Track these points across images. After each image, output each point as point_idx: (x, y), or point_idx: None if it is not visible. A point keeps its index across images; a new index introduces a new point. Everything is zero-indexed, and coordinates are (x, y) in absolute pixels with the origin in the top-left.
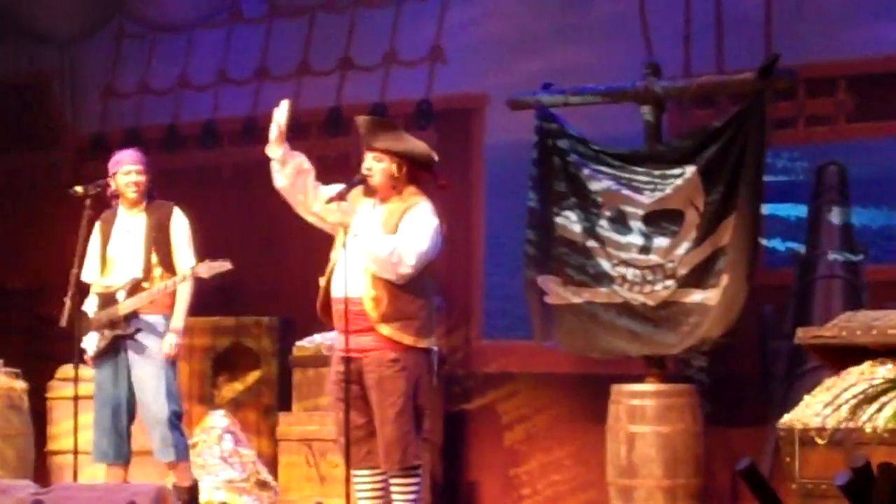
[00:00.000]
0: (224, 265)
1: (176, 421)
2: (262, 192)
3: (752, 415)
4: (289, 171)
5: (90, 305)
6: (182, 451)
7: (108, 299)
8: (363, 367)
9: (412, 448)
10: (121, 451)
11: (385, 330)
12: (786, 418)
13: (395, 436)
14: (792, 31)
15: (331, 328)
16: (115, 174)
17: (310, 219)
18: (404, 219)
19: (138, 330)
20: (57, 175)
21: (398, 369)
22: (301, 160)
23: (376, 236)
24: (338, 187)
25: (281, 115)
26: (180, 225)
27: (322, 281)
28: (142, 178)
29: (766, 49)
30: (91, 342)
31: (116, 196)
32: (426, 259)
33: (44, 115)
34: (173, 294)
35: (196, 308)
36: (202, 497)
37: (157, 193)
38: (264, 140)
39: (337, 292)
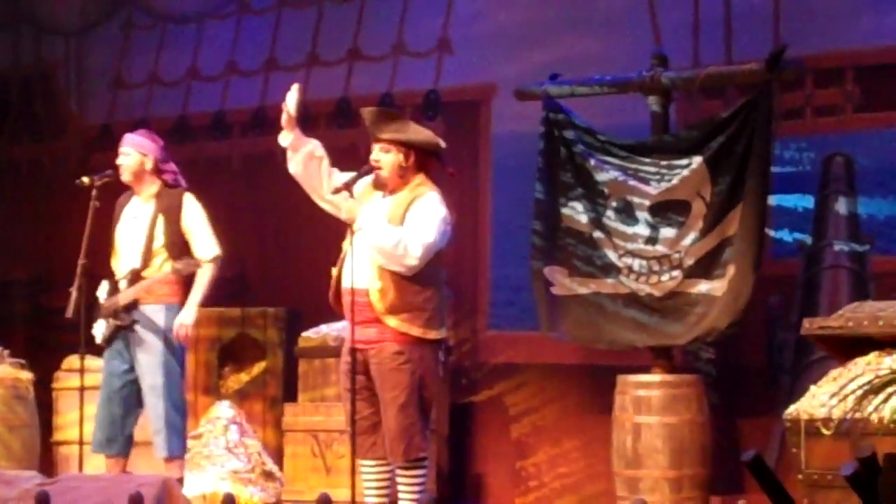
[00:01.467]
0: (196, 264)
1: (174, 418)
2: (271, 183)
3: (759, 406)
4: (301, 157)
5: (102, 291)
6: (175, 449)
7: (115, 287)
8: (369, 358)
9: (417, 440)
10: (115, 442)
11: (392, 322)
12: (792, 409)
13: (400, 428)
14: (800, 21)
15: (342, 318)
16: None
17: (324, 206)
18: (411, 209)
19: (135, 321)
20: (62, 165)
21: (402, 362)
22: (313, 146)
23: (381, 228)
24: (352, 174)
25: (291, 99)
26: (192, 210)
27: (334, 271)
28: (127, 161)
29: (775, 40)
30: (99, 330)
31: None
32: (433, 250)
33: (49, 105)
34: (175, 283)
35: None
36: (207, 488)
37: (172, 177)
38: (274, 131)
39: (345, 283)
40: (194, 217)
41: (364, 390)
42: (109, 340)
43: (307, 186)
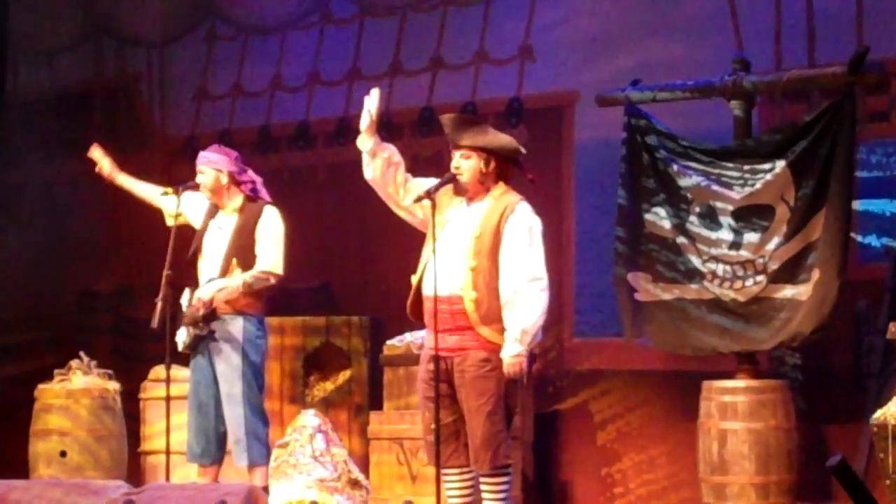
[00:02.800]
0: (267, 280)
1: (254, 425)
2: (356, 192)
3: (847, 411)
4: (378, 163)
5: (185, 299)
6: (257, 457)
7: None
8: (454, 366)
9: (503, 448)
10: (208, 452)
11: (484, 331)
12: (878, 414)
13: (487, 436)
14: (882, 23)
15: (420, 326)
16: None
17: (400, 213)
18: (507, 225)
19: (213, 331)
20: (146, 177)
21: (489, 369)
22: (391, 153)
23: (518, 329)
24: (428, 181)
25: (372, 103)
26: (266, 224)
27: (414, 279)
28: (204, 179)
29: (857, 43)
30: (181, 337)
31: None
32: (544, 263)
33: (132, 117)
34: (251, 294)
35: (287, 307)
36: (294, 497)
37: (248, 188)
38: (357, 140)
39: (428, 290)
40: (267, 229)
41: (445, 398)
42: (192, 349)
43: (383, 193)
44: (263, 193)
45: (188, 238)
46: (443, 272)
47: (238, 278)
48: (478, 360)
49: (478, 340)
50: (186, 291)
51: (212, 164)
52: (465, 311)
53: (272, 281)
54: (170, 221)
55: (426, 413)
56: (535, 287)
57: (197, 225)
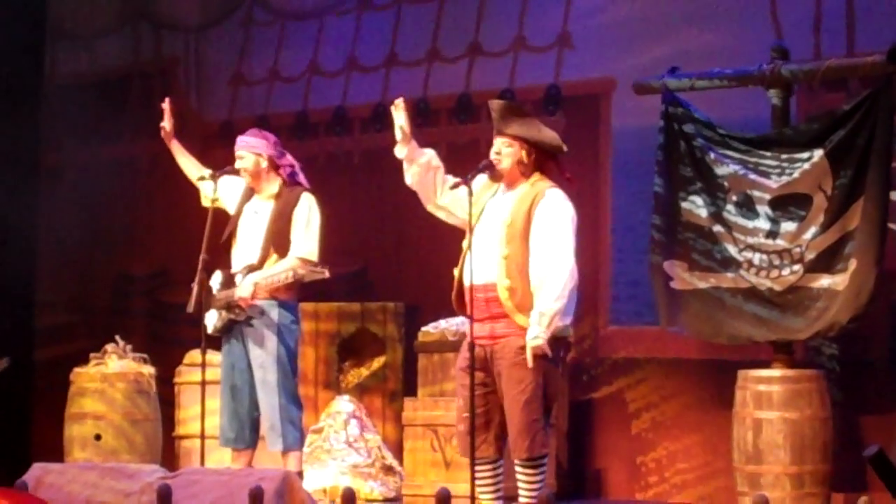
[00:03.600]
0: (322, 273)
1: (289, 411)
2: (392, 178)
3: (883, 401)
4: (417, 169)
5: (215, 282)
6: (291, 443)
7: (229, 280)
8: (493, 353)
9: (540, 437)
10: (242, 436)
11: (520, 319)
12: None
13: (524, 424)
14: None
15: (466, 317)
16: None
17: (439, 214)
18: (537, 209)
19: (250, 317)
20: None
21: (526, 357)
22: (429, 157)
23: (545, 313)
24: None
25: (399, 117)
26: (303, 210)
27: (456, 272)
28: (244, 163)
29: None
30: (211, 320)
31: None
32: (574, 250)
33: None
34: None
35: (322, 293)
36: (328, 482)
37: (290, 174)
38: (393, 125)
39: (468, 280)
40: (303, 215)
41: (480, 386)
42: (224, 332)
43: (422, 196)
44: (302, 178)
45: (224, 223)
46: (479, 261)
47: (278, 271)
48: (515, 348)
49: (514, 328)
50: (217, 274)
51: (251, 149)
52: (500, 300)
53: (326, 274)
54: (206, 202)
55: (460, 401)
56: (560, 271)
57: (232, 210)
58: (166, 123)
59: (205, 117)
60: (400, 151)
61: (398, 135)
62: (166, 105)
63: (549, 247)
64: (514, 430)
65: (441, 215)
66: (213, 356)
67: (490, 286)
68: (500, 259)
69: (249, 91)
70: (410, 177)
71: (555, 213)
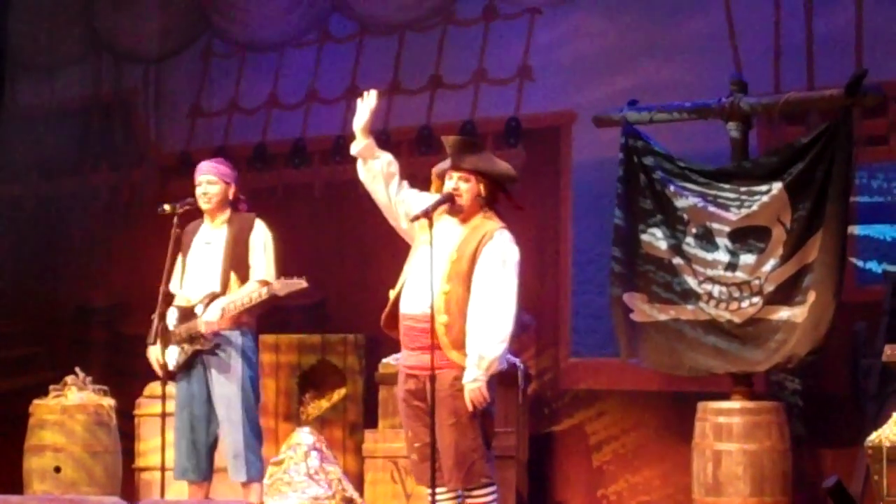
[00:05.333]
0: (300, 283)
1: (251, 441)
2: (352, 210)
3: (845, 433)
4: (370, 170)
5: (170, 318)
6: (254, 473)
7: (186, 313)
8: (426, 385)
9: (478, 466)
10: (199, 468)
11: (454, 355)
12: (874, 436)
13: (458, 454)
14: (882, 47)
15: (394, 341)
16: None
17: (390, 217)
18: (483, 253)
19: (217, 345)
20: (140, 193)
21: (459, 388)
22: (385, 162)
23: (484, 357)
24: (421, 195)
25: (369, 102)
26: (259, 235)
27: (392, 294)
28: (213, 189)
29: (857, 66)
30: (172, 356)
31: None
32: (517, 294)
33: (128, 133)
34: (249, 308)
35: (282, 325)
36: None
37: (244, 206)
38: (354, 159)
39: (405, 308)
40: (259, 240)
41: (424, 415)
42: (182, 367)
43: (380, 202)
44: (244, 206)
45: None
46: (418, 290)
47: (242, 295)
48: (449, 380)
49: (447, 361)
50: (172, 310)
51: (223, 176)
52: (436, 333)
53: (304, 284)
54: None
55: (409, 432)
56: (503, 316)
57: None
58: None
59: (164, 148)
60: (355, 146)
61: (359, 122)
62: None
63: (492, 290)
64: (450, 460)
65: (391, 221)
66: (173, 388)
67: (425, 317)
68: (440, 294)
69: (208, 122)
70: (363, 175)
71: (500, 256)
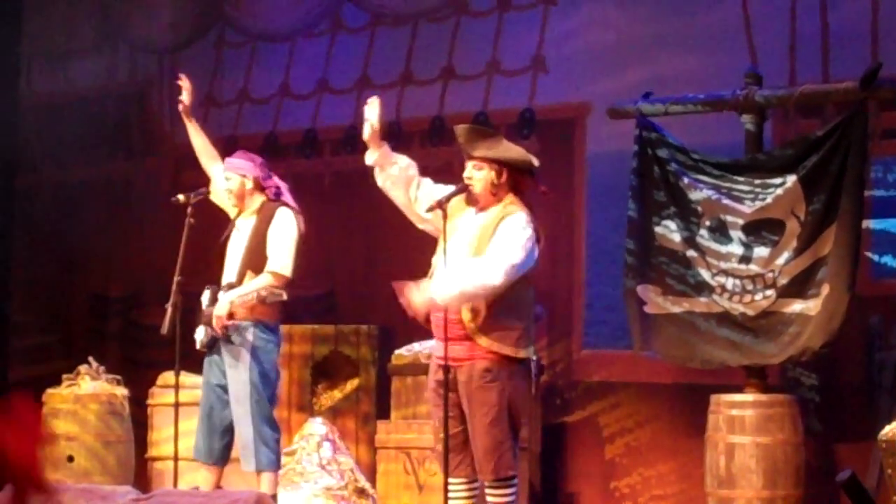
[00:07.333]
0: (280, 296)
1: (262, 432)
2: (362, 201)
3: (860, 427)
4: (387, 176)
5: (205, 298)
6: (266, 464)
7: (215, 296)
8: (458, 376)
9: (506, 458)
10: (211, 451)
11: (483, 341)
12: (887, 429)
13: (489, 446)
14: None
15: (431, 334)
16: None
17: (412, 218)
18: (498, 230)
19: (229, 335)
20: (155, 183)
21: (490, 380)
22: (402, 166)
23: (453, 279)
24: (439, 187)
25: (372, 112)
26: (278, 224)
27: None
28: (230, 184)
29: (873, 58)
30: (199, 335)
31: None
32: (518, 272)
33: (142, 123)
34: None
35: (295, 316)
36: None
37: (272, 192)
38: (365, 149)
39: None
40: (279, 230)
41: (454, 408)
42: (209, 348)
43: (395, 200)
44: (287, 198)
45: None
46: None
47: (252, 288)
48: (480, 371)
49: (479, 350)
50: (206, 290)
51: (237, 170)
52: (462, 321)
53: (284, 297)
54: (213, 197)
55: (435, 422)
56: (496, 264)
57: (229, 208)
58: (185, 97)
59: (178, 138)
60: (370, 157)
61: (366, 132)
62: (184, 82)
63: (498, 248)
64: (480, 451)
65: (414, 219)
66: (187, 378)
67: (456, 308)
68: None
69: (220, 112)
70: (381, 180)
71: (511, 230)
